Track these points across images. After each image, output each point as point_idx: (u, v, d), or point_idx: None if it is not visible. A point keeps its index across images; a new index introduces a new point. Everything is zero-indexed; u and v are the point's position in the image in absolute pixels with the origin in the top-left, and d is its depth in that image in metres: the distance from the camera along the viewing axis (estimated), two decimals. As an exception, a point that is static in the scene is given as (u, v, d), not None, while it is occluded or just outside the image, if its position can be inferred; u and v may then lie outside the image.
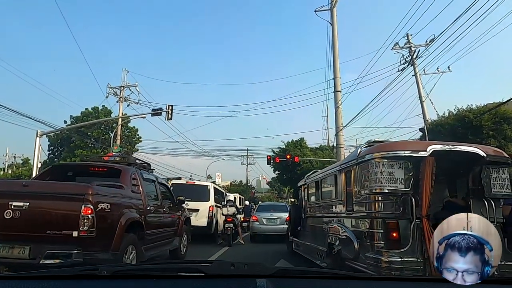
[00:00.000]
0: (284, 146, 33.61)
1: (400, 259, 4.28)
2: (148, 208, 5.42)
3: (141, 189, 5.34)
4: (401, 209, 4.59)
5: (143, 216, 5.11)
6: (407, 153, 4.56)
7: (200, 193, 11.82)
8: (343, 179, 5.80)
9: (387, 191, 4.55)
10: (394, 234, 4.53)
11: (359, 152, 5.17)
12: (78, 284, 1.33)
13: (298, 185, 9.54)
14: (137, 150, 34.15)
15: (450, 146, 4.63)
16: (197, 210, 11.34)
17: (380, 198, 4.68)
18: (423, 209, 4.40)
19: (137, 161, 6.14)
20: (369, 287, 1.51)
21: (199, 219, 11.35)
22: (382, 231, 4.58)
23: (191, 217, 10.87)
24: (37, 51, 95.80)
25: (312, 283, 1.45)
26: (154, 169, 6.94)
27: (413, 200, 4.45)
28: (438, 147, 4.55)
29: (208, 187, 12.23)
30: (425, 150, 4.51)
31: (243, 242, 12.38)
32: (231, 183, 58.48)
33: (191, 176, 32.44)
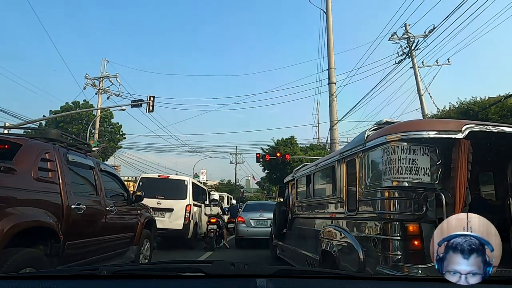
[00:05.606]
0: (274, 144, 32.71)
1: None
2: (74, 206, 3.69)
3: (59, 177, 3.59)
4: (425, 209, 3.45)
5: (60, 219, 3.45)
6: (434, 134, 3.39)
7: (175, 189, 10.14)
8: (343, 171, 4.62)
9: (407, 184, 3.39)
10: (416, 243, 3.39)
11: (367, 135, 3.99)
12: (78, 284, 1.31)
13: (285, 181, 8.30)
14: (120, 147, 32.77)
15: (491, 126, 3.49)
16: (171, 210, 9.75)
17: (396, 194, 3.52)
18: (457, 210, 3.25)
19: (64, 136, 4.23)
20: (369, 287, 1.46)
21: (174, 221, 9.71)
22: (399, 238, 3.43)
23: (164, 219, 9.57)
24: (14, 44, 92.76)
25: (312, 283, 1.44)
26: (95, 152, 5.37)
27: (443, 197, 3.29)
28: (476, 127, 3.40)
29: (185, 182, 10.44)
30: (460, 131, 3.35)
31: (228, 246, 11.15)
32: (219, 182, 57.32)
33: (176, 174, 31.19)
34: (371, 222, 3.84)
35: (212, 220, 10.25)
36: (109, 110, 24.59)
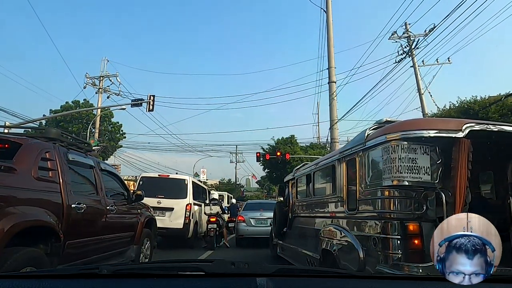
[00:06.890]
0: (274, 143, 32.72)
1: None
2: (74, 205, 3.67)
3: (60, 177, 3.57)
4: (425, 208, 3.46)
5: (61, 218, 3.43)
6: (434, 133, 3.39)
7: (175, 188, 10.15)
8: (343, 170, 4.62)
9: (407, 183, 3.39)
10: (416, 242, 3.40)
11: (368, 135, 3.99)
12: (79, 283, 1.29)
13: (285, 180, 8.32)
14: (121, 146, 32.79)
15: (491, 125, 3.49)
16: (171, 209, 9.77)
17: (396, 193, 3.52)
18: (457, 209, 3.25)
19: (64, 136, 4.21)
20: (369, 287, 1.44)
21: (174, 220, 9.72)
22: (399, 237, 3.44)
23: (164, 218, 9.58)
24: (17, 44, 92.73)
25: (312, 282, 1.43)
26: (95, 151, 5.37)
27: (443, 196, 3.30)
28: (476, 126, 3.40)
29: (186, 181, 10.46)
30: (460, 130, 3.35)
31: (228, 246, 11.16)
32: (219, 182, 57.28)
33: (176, 173, 31.24)
34: (371, 221, 3.85)
35: (212, 219, 10.24)
36: (109, 109, 24.70)
